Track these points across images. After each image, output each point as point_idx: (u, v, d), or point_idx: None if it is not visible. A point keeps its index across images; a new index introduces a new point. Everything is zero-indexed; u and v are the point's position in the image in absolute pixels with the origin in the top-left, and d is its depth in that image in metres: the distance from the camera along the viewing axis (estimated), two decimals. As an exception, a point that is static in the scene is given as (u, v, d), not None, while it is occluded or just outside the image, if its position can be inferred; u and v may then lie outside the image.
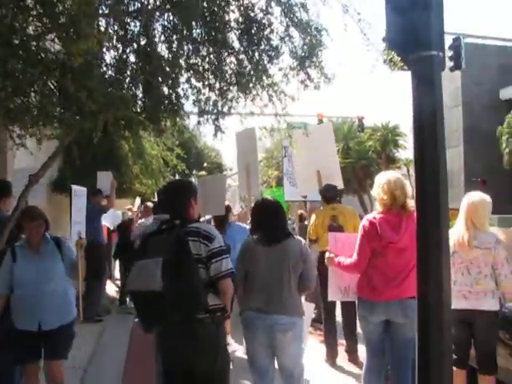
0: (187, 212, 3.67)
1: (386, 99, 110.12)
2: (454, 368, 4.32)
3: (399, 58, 2.99)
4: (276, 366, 4.20)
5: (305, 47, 4.19)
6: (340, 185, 7.61)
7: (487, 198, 4.71)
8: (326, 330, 6.71)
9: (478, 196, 4.70)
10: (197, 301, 3.31)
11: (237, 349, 6.60)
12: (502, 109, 35.89)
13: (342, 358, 6.56)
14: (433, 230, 3.07)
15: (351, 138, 40.06)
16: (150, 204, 10.43)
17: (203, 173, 29.85)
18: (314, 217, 6.83)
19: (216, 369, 3.49)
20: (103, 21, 4.32)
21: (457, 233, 4.56)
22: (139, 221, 9.78)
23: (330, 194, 6.79)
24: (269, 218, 4.20)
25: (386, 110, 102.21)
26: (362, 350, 6.31)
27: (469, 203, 4.65)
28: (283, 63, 4.50)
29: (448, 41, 17.27)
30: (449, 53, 17.14)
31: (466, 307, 4.45)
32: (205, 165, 37.70)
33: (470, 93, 35.74)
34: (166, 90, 4.57)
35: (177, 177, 17.03)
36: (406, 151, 49.52)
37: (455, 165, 35.65)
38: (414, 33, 3.01)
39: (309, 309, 4.83)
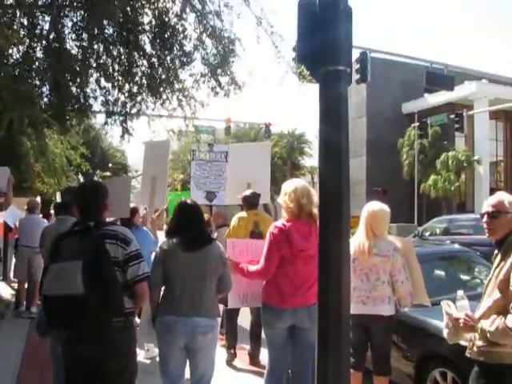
0: (102, 214, 3.60)
1: (293, 107, 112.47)
2: (351, 370, 4.49)
3: (308, 72, 3.06)
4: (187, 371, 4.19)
5: (217, 55, 4.19)
6: (267, 200, 8.00)
7: (386, 207, 4.93)
8: (228, 332, 6.79)
9: (377, 205, 4.92)
10: (117, 305, 3.27)
11: (138, 353, 6.49)
12: (403, 122, 37.74)
13: (244, 361, 6.63)
14: (334, 239, 3.17)
15: (258, 144, 40.46)
16: (36, 200, 10.07)
17: (108, 173, 29.19)
18: (235, 220, 6.83)
19: (125, 375, 3.46)
20: (9, 12, 4.11)
21: (357, 240, 4.74)
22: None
23: (254, 200, 6.91)
24: (194, 223, 4.20)
25: (292, 117, 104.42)
26: (265, 354, 6.47)
27: (369, 212, 4.85)
28: (195, 69, 4.48)
29: (355, 54, 17.93)
30: (355, 66, 17.76)
31: (364, 312, 4.63)
32: (110, 165, 36.90)
33: (374, 105, 37.17)
34: (74, 89, 4.41)
35: (79, 176, 16.54)
36: (312, 159, 51.00)
37: (358, 174, 36.92)
38: (322, 48, 3.11)
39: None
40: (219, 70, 4.19)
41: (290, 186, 4.42)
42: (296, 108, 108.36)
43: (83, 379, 3.40)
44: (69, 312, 3.18)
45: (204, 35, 4.15)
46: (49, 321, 3.41)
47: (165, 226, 9.34)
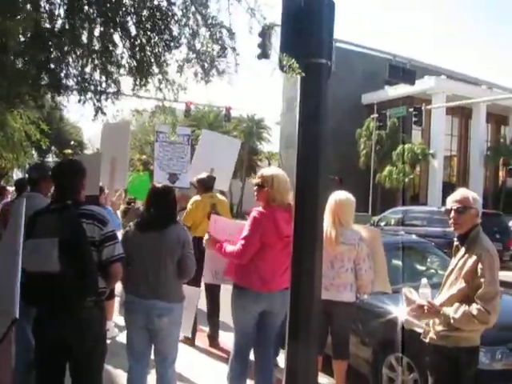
0: (79, 194, 3.61)
1: (253, 92, 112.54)
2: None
3: (297, 65, 3.13)
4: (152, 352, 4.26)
5: (204, 41, 4.15)
6: (226, 188, 8.42)
7: (352, 197, 5.05)
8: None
9: (343, 195, 5.03)
10: (92, 284, 3.30)
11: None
12: (362, 112, 38.21)
13: (204, 343, 6.72)
14: (308, 228, 3.28)
15: (216, 127, 40.08)
16: None
17: (69, 151, 28.60)
18: (191, 203, 6.85)
19: (95, 354, 3.50)
20: None
21: (324, 229, 4.84)
22: None
23: (209, 184, 6.96)
24: (159, 206, 4.24)
25: (252, 102, 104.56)
26: (223, 336, 6.61)
27: (335, 202, 4.95)
28: (180, 54, 4.39)
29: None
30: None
31: (326, 298, 4.74)
32: (72, 143, 36.26)
33: (335, 94, 37.27)
34: (52, 65, 4.32)
35: (33, 152, 16.06)
36: (270, 144, 51.25)
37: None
38: (306, 41, 3.20)
39: (192, 293, 4.87)
40: (204, 56, 4.13)
41: (278, 174, 4.43)
42: (256, 93, 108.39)
43: (54, 357, 3.42)
44: (43, 289, 3.19)
45: (192, 21, 4.09)
46: (21, 297, 3.41)
47: (122, 206, 9.29)
